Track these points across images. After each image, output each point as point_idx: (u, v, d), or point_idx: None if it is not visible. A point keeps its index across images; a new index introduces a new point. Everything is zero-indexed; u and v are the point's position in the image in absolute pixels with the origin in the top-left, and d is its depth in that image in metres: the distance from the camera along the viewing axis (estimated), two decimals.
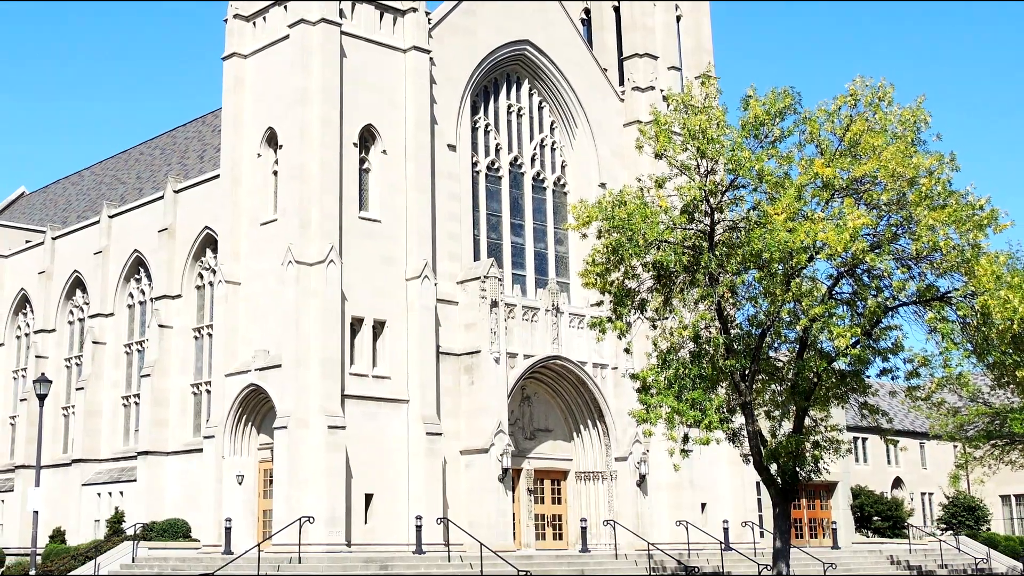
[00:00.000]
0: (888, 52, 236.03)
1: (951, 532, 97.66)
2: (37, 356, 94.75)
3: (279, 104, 72.24)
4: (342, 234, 69.88)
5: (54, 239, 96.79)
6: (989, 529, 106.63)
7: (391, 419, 70.36)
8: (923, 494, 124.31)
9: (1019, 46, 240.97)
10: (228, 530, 67.55)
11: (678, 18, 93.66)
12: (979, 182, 74.91)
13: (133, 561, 69.06)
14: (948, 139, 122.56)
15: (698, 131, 50.88)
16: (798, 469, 52.68)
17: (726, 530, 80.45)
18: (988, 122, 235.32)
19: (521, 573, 62.15)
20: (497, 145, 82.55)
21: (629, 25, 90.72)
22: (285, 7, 73.15)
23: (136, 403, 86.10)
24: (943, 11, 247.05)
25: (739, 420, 53.71)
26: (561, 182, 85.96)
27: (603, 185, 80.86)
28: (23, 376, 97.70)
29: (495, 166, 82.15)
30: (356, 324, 70.22)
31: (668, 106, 55.08)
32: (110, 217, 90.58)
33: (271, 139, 72.95)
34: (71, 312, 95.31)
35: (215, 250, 79.09)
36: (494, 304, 75.00)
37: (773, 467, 53.10)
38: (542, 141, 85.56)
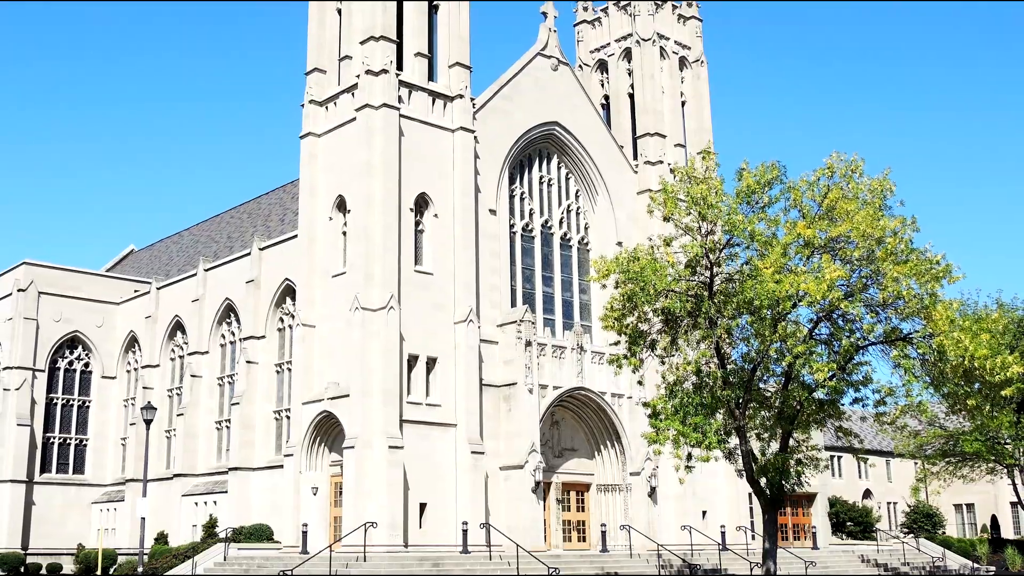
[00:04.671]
0: (859, 125, 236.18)
1: (912, 535, 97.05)
2: (144, 387, 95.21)
3: (347, 175, 72.62)
4: (400, 285, 70.14)
5: (158, 289, 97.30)
6: (944, 533, 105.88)
7: (441, 440, 70.46)
8: (889, 503, 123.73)
9: (971, 123, 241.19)
10: (305, 533, 67.78)
11: (683, 104, 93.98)
12: (936, 240, 74.46)
13: (225, 560, 69.18)
14: (910, 204, 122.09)
15: (700, 198, 51.02)
16: (784, 482, 52.47)
17: (723, 533, 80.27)
18: (947, 188, 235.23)
19: (552, 570, 62.12)
20: (531, 210, 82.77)
21: (642, 109, 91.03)
22: (352, 94, 73.66)
23: (227, 427, 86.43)
24: (909, 87, 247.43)
25: (734, 441, 53.66)
26: (584, 241, 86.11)
27: (620, 243, 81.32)
28: (132, 404, 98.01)
29: (529, 228, 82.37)
30: (412, 360, 70.37)
31: (674, 177, 55.55)
32: (205, 270, 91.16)
33: (340, 205, 73.33)
34: (173, 350, 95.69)
35: (294, 298, 79.43)
36: (528, 344, 75.18)
37: (763, 480, 53.00)
38: (568, 207, 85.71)
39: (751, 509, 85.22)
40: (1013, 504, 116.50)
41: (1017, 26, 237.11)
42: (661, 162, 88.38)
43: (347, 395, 68.35)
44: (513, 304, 78.82)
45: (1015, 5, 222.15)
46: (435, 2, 77.81)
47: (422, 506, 68.72)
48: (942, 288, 49.02)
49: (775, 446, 54.15)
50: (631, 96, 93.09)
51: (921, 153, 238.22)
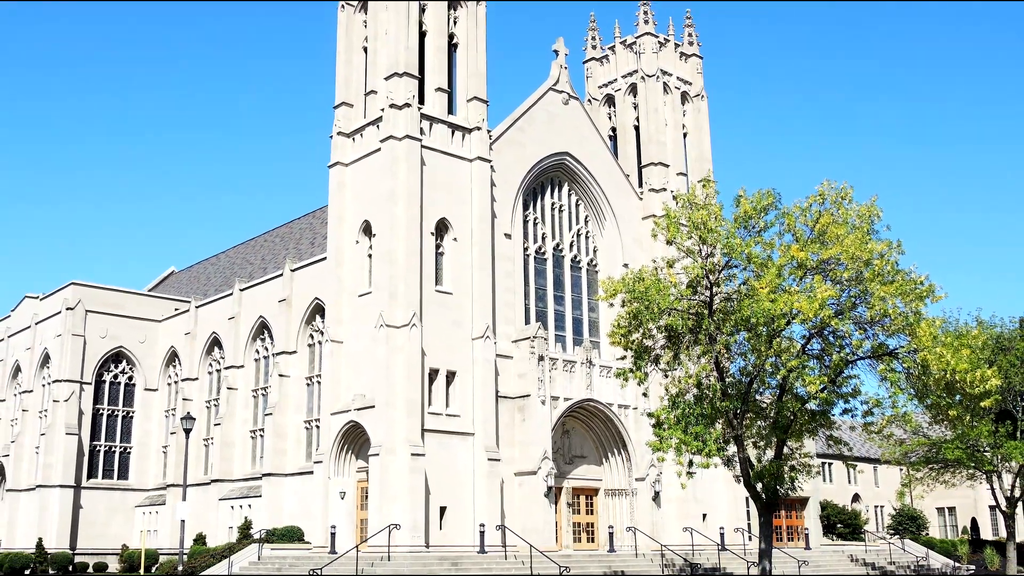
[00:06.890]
0: (849, 154, 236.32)
1: (898, 536, 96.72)
2: (184, 399, 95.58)
3: (373, 202, 72.90)
4: (422, 303, 70.37)
5: (197, 307, 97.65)
6: (928, 534, 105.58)
7: (460, 448, 70.57)
8: (876, 506, 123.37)
9: (954, 153, 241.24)
10: (333, 535, 68.04)
11: (684, 135, 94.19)
12: (920, 262, 74.65)
13: (259, 559, 69.41)
14: (896, 228, 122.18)
15: (700, 223, 51.15)
16: (778, 487, 52.51)
17: (722, 535, 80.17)
18: (931, 213, 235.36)
19: (563, 569, 62.16)
20: (543, 234, 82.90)
21: (646, 140, 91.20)
22: (377, 126, 74.02)
23: (261, 436, 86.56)
24: (896, 119, 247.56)
25: (732, 449, 53.61)
26: (593, 263, 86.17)
27: (626, 265, 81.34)
28: (173, 415, 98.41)
29: (541, 250, 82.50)
30: (433, 374, 70.52)
31: (677, 203, 55.63)
32: (241, 290, 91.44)
33: (366, 229, 73.62)
34: (210, 364, 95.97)
35: (323, 316, 79.66)
36: (541, 358, 75.24)
37: (759, 485, 52.99)
38: (578, 231, 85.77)
39: (748, 512, 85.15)
40: (992, 507, 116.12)
41: (995, 60, 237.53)
42: (664, 189, 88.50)
43: (372, 406, 68.55)
44: (527, 321, 78.92)
45: (992, 42, 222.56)
46: (454, 40, 78.22)
47: (442, 509, 68.82)
48: (926, 307, 49.15)
49: (770, 454, 54.18)
50: (636, 128, 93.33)
51: (907, 180, 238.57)
